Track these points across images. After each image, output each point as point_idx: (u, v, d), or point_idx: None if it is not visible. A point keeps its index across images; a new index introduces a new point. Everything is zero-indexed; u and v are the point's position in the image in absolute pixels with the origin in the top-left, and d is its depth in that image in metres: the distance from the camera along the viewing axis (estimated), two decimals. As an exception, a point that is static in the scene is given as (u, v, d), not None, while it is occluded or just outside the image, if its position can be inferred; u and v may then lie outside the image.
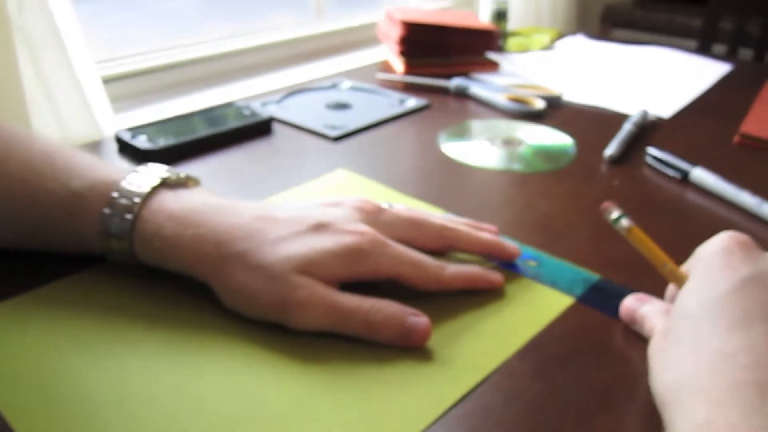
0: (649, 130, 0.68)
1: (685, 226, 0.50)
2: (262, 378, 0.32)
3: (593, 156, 0.61)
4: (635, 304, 0.36)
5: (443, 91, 0.79)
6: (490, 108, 0.74)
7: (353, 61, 0.97)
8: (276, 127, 0.66)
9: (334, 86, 0.78)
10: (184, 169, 0.43)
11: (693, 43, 1.56)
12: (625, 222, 0.36)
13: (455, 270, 0.39)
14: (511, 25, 1.22)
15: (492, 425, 0.30)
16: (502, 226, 0.47)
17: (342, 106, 0.72)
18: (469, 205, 0.51)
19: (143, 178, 0.38)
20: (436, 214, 0.43)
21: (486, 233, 0.43)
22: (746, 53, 1.53)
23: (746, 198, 0.51)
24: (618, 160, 0.60)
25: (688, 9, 1.91)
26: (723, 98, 0.81)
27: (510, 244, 0.42)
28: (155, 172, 0.39)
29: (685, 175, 0.56)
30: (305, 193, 0.52)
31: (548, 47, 1.03)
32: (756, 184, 0.52)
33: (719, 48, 1.58)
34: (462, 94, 0.78)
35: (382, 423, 0.29)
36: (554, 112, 0.74)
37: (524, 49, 1.00)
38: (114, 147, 0.59)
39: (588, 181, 0.56)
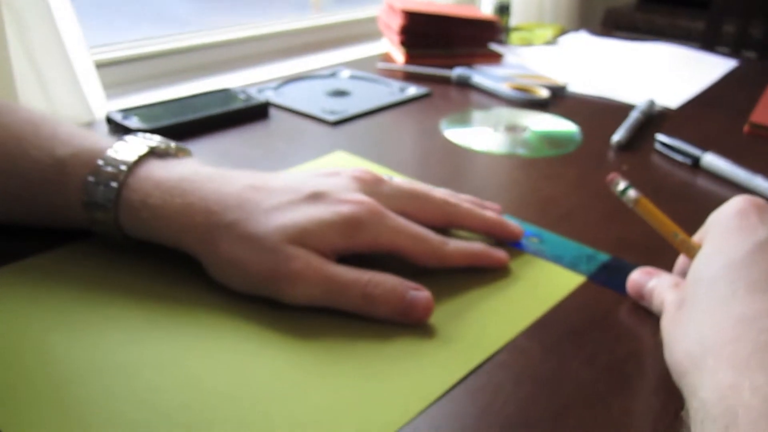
0: (656, 120, 0.66)
1: (696, 211, 0.47)
2: (252, 354, 0.30)
3: (600, 143, 0.59)
4: (643, 279, 0.34)
5: (445, 81, 0.77)
6: (494, 97, 0.73)
7: (353, 54, 0.95)
8: (273, 112, 0.64)
9: (333, 75, 0.77)
10: (175, 144, 0.41)
11: (695, 46, 1.54)
12: (632, 193, 0.34)
13: (458, 245, 0.37)
14: (513, 22, 1.21)
15: (502, 403, 0.27)
16: (506, 207, 0.45)
17: (341, 93, 0.70)
18: (472, 187, 0.49)
19: (131, 146, 0.36)
20: (438, 189, 0.41)
21: (489, 211, 0.41)
22: (749, 56, 1.51)
23: (760, 182, 0.49)
24: (626, 146, 0.58)
25: (691, 12, 1.90)
26: (730, 92, 0.79)
27: (513, 223, 0.40)
28: (144, 141, 0.37)
29: (695, 161, 0.54)
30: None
31: (551, 42, 1.01)
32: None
33: (722, 51, 1.56)
34: (464, 84, 0.76)
35: (384, 399, 0.27)
36: (559, 101, 0.72)
37: (527, 44, 0.99)
38: (105, 129, 0.57)
39: (595, 167, 0.54)
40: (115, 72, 0.76)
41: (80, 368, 0.28)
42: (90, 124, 0.59)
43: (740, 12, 1.51)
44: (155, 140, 0.37)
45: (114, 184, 0.34)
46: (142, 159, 0.35)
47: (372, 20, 1.08)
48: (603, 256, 0.39)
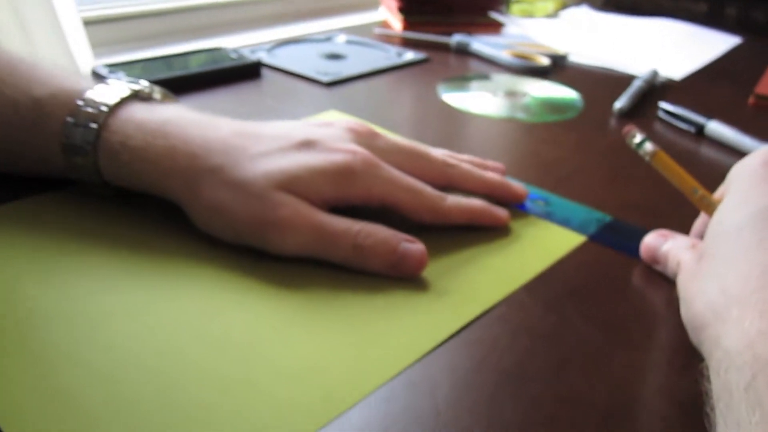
0: (659, 90, 0.65)
1: (702, 179, 0.46)
2: (233, 302, 0.28)
3: (602, 110, 0.57)
4: (657, 241, 0.33)
5: (443, 48, 0.75)
6: (493, 65, 0.71)
7: (350, 21, 0.93)
8: (265, 73, 0.62)
9: (328, 39, 0.74)
10: (161, 92, 0.39)
11: (697, 27, 1.52)
12: (649, 146, 0.32)
13: (457, 201, 0.35)
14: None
15: (498, 356, 0.26)
16: (507, 169, 0.43)
17: (336, 57, 0.68)
18: (470, 149, 0.47)
19: (113, 89, 0.34)
20: (436, 149, 0.39)
21: (491, 172, 0.39)
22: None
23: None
24: (628, 114, 0.57)
25: (693, -6, 1.88)
26: (734, 65, 0.78)
27: (517, 184, 0.39)
28: (128, 84, 0.35)
29: (700, 129, 0.53)
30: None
31: (552, 15, 0.99)
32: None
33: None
34: (463, 51, 0.74)
35: (373, 349, 0.26)
36: (560, 70, 0.70)
37: (528, 15, 0.97)
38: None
39: (597, 132, 0.52)
40: (104, 30, 0.74)
41: (48, 314, 0.27)
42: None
43: (743, -7, 1.49)
44: (140, 84, 0.35)
45: (93, 125, 0.32)
46: (124, 101, 0.34)
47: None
48: (607, 218, 0.38)
